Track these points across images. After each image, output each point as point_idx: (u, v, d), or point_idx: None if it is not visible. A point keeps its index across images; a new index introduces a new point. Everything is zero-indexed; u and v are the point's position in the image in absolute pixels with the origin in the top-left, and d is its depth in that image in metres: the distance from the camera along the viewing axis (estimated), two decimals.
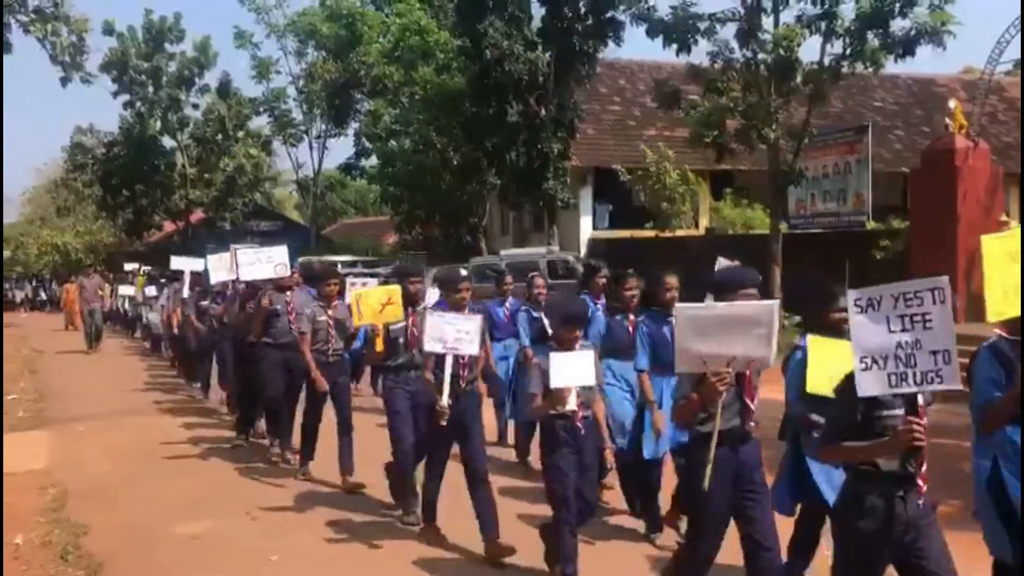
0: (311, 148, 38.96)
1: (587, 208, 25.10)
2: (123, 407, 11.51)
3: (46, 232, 48.79)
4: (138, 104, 35.92)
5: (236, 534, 6.14)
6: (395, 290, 6.22)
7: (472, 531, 5.52)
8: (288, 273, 8.27)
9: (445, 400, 5.41)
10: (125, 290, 21.09)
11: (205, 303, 11.09)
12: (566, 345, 4.82)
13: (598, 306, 6.68)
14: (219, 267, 9.75)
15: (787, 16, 15.56)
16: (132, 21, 41.50)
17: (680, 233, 22.37)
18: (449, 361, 5.44)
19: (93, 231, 46.12)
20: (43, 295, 43.45)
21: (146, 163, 36.15)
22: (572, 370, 4.66)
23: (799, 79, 15.50)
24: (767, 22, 15.54)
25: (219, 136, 36.43)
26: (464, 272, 6.52)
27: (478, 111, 22.79)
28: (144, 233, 40.00)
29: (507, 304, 8.25)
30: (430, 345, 5.44)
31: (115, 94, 35.73)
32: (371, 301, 6.12)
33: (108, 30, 34.25)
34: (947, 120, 15.43)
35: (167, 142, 37.52)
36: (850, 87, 24.54)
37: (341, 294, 7.99)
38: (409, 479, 6.26)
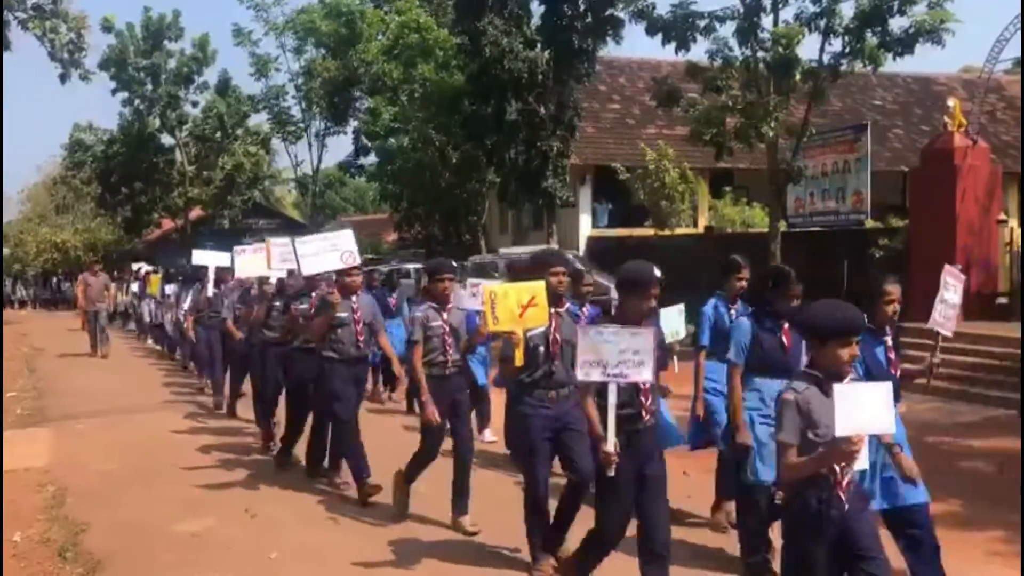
0: (310, 146, 38.92)
1: (586, 206, 25.09)
2: (123, 405, 11.50)
3: (45, 230, 48.78)
4: (137, 102, 35.85)
5: (235, 532, 6.14)
6: (539, 288, 4.98)
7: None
8: (357, 263, 6.80)
9: (611, 443, 4.12)
10: (169, 289, 19.75)
11: (241, 305, 9.69)
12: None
13: (734, 311, 5.83)
14: (251, 261, 8.73)
15: (786, 14, 15.55)
16: (131, 18, 41.55)
17: (679, 231, 22.39)
18: (613, 391, 4.14)
19: (92, 229, 46.10)
20: (48, 292, 43.58)
21: (145, 161, 36.08)
22: (867, 407, 3.19)
23: (798, 77, 15.50)
24: (766, 20, 15.53)
25: (218, 134, 36.37)
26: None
27: (477, 109, 22.78)
28: (143, 231, 39.97)
29: (585, 310, 6.51)
30: (585, 372, 4.18)
31: (114, 91, 35.66)
32: (509, 302, 4.92)
33: (107, 27, 34.18)
34: (946, 119, 15.42)
35: (166, 140, 37.46)
36: (849, 85, 24.54)
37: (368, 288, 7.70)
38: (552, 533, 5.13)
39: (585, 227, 24.82)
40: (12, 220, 54.24)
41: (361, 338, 6.80)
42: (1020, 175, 21.64)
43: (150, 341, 20.32)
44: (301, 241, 6.75)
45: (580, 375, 4.20)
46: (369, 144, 33.43)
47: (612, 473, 4.09)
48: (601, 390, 4.20)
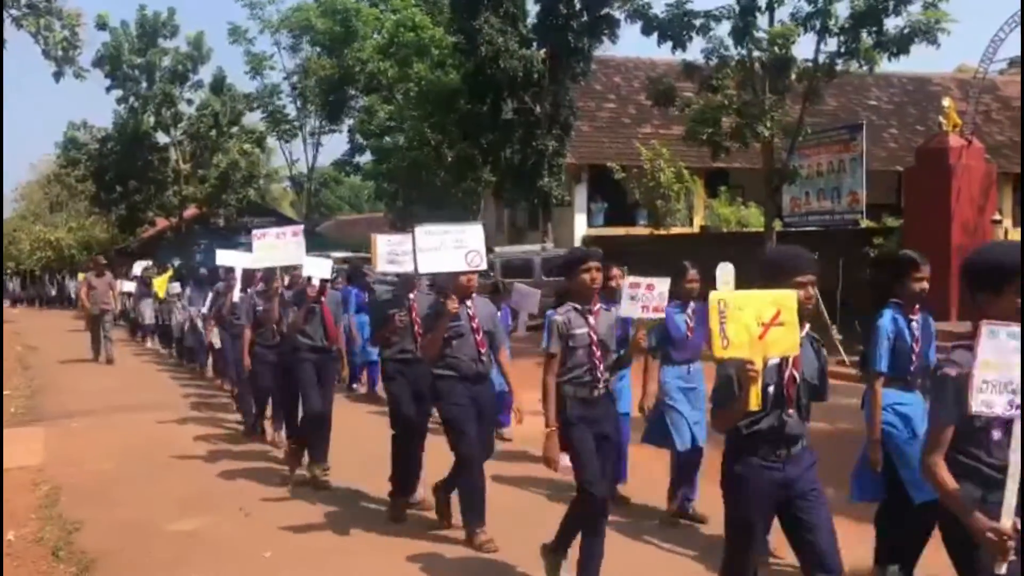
0: (305, 144, 38.99)
1: (582, 205, 25.10)
2: (117, 404, 11.48)
3: (39, 228, 48.69)
4: (131, 99, 35.79)
5: (230, 531, 6.13)
6: (788, 298, 3.31)
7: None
8: (484, 265, 5.59)
9: (1009, 513, 2.78)
10: (174, 288, 16.81)
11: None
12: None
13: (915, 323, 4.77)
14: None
15: (782, 14, 15.56)
16: (126, 16, 41.45)
17: (675, 231, 22.40)
18: (1017, 432, 2.77)
19: (86, 227, 46.01)
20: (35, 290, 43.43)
21: (140, 159, 36.02)
22: None
23: (794, 77, 15.52)
24: (762, 20, 15.54)
25: (213, 132, 36.32)
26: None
27: (473, 108, 22.77)
28: (137, 229, 39.92)
29: (690, 310, 5.91)
30: (986, 401, 2.78)
31: (108, 89, 35.62)
32: (746, 317, 3.26)
33: (101, 25, 34.10)
34: (941, 119, 15.45)
35: (161, 138, 37.40)
36: (845, 85, 24.57)
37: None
38: None
39: (580, 226, 24.83)
40: (6, 218, 54.15)
41: (483, 350, 5.70)
42: (1021, 174, 21.58)
43: (150, 343, 19.74)
44: (426, 231, 5.49)
45: (977, 405, 2.78)
46: (364, 143, 33.42)
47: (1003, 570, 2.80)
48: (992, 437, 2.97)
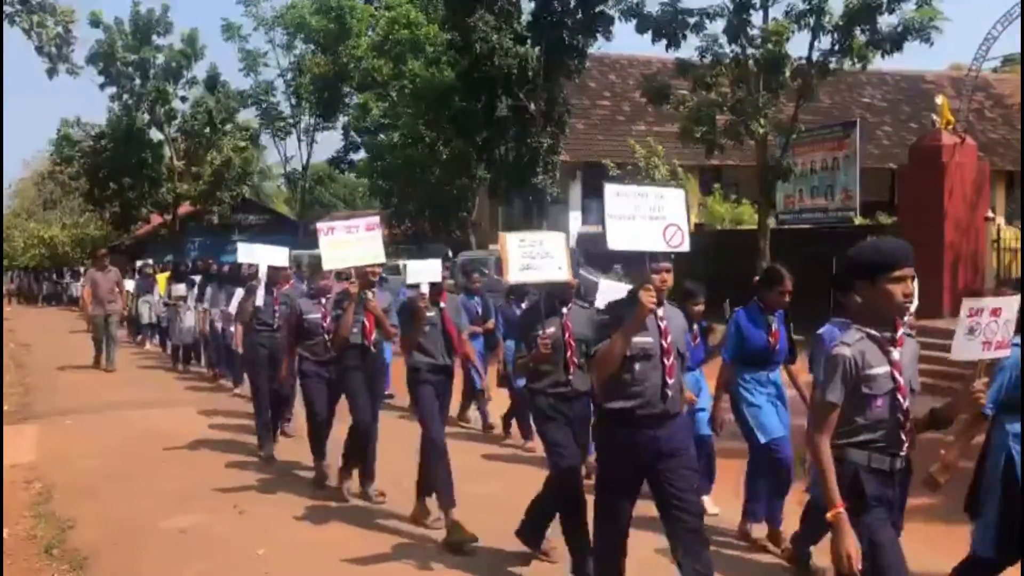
0: (299, 141, 38.89)
1: (576, 203, 25.12)
2: (112, 401, 11.46)
3: (33, 225, 48.54)
4: (125, 97, 35.67)
5: (223, 528, 6.13)
6: None
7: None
8: (686, 245, 4.07)
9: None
10: (178, 289, 14.93)
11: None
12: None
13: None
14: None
15: (776, 11, 15.61)
16: (119, 13, 41.35)
17: None
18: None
19: (80, 224, 45.88)
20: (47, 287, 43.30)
21: (133, 156, 35.89)
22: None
23: (787, 74, 15.55)
24: (756, 17, 15.58)
25: (207, 129, 36.23)
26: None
27: (467, 105, 22.76)
28: (131, 226, 39.82)
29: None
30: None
31: (102, 86, 35.50)
32: None
33: (95, 22, 33.99)
34: (934, 116, 15.49)
35: (155, 135, 37.31)
36: (839, 83, 24.63)
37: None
38: None
39: (575, 224, 24.84)
40: None
41: (671, 379, 4.22)
42: (1021, 174, 21.56)
43: (149, 345, 18.73)
44: (616, 191, 4.06)
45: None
46: (359, 140, 33.42)
47: None
48: None
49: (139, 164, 36.03)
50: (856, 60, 15.21)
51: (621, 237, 3.97)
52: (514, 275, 5.00)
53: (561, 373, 5.02)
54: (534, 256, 4.92)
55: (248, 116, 38.63)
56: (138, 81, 35.46)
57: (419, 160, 27.37)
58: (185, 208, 38.28)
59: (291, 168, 41.32)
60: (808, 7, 15.10)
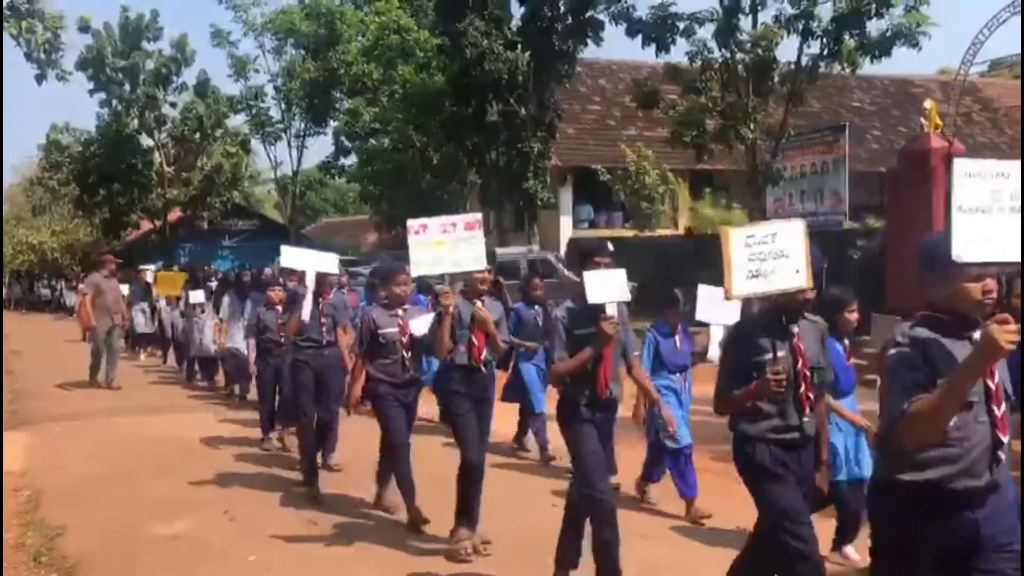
0: (290, 147, 38.73)
1: (567, 207, 25.14)
2: (101, 407, 11.40)
3: (21, 231, 48.29)
4: (115, 102, 35.60)
5: (214, 534, 6.10)
6: None
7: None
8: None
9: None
10: (196, 296, 13.19)
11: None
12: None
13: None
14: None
15: (765, 16, 15.69)
16: (108, 18, 41.18)
17: (659, 232, 22.46)
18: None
19: (69, 230, 45.68)
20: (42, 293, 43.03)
21: (123, 162, 35.80)
22: None
23: (777, 79, 15.63)
24: (745, 22, 15.65)
25: (197, 135, 36.15)
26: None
27: (458, 110, 22.78)
28: (121, 232, 39.69)
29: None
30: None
31: (91, 92, 35.41)
32: None
33: (84, 27, 33.88)
34: (922, 120, 15.56)
35: (144, 141, 37.21)
36: (828, 87, 24.73)
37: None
38: None
39: (566, 228, 24.87)
40: None
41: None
42: (1021, 175, 21.59)
43: (144, 356, 17.58)
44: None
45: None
46: (349, 145, 33.36)
47: None
48: None
49: (129, 170, 35.94)
50: (845, 65, 15.30)
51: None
52: (739, 287, 3.80)
53: (793, 415, 3.83)
54: (765, 258, 3.78)
55: (238, 121, 38.57)
56: (128, 87, 35.36)
57: (410, 165, 27.38)
58: (175, 214, 38.19)
59: (281, 173, 41.20)
60: (797, 12, 15.18)
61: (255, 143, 39.49)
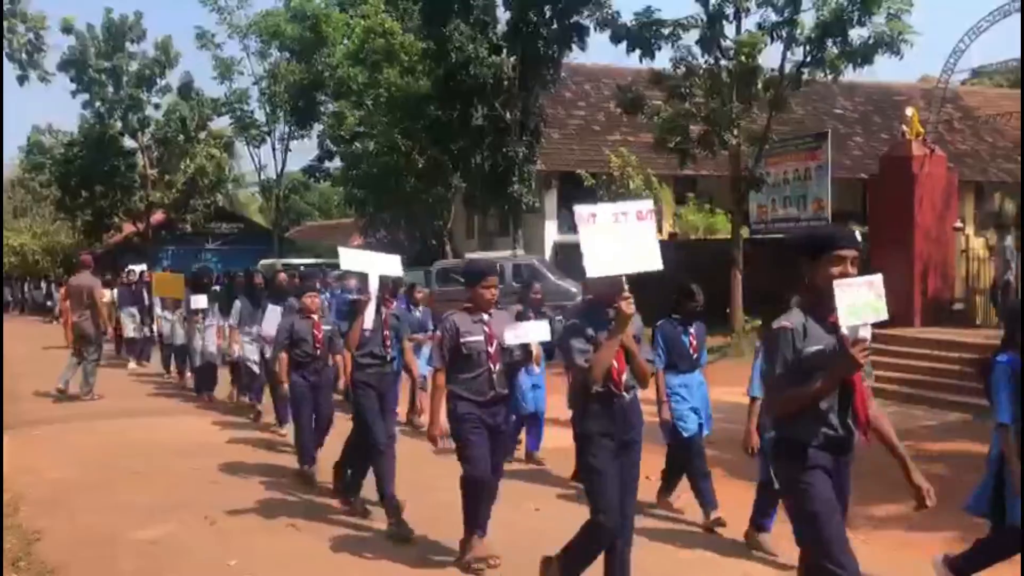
0: (274, 150, 38.63)
1: (552, 212, 25.17)
2: (82, 412, 11.32)
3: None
4: (98, 104, 35.42)
5: (194, 539, 6.07)
6: None
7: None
8: None
9: None
10: (198, 301, 12.27)
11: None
12: None
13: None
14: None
15: (749, 23, 15.76)
16: (92, 19, 40.99)
17: None
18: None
19: (51, 232, 45.40)
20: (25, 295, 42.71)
21: (106, 164, 35.64)
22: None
23: (760, 85, 15.71)
24: (729, 29, 15.72)
25: (180, 137, 36.02)
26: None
27: (443, 114, 22.75)
28: (103, 235, 39.46)
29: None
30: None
31: (74, 93, 35.22)
32: None
33: (66, 28, 33.74)
34: (904, 127, 15.69)
35: (127, 143, 37.03)
36: (811, 94, 24.87)
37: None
38: None
39: (551, 233, 24.89)
40: None
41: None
42: (1021, 176, 21.65)
43: (133, 363, 16.29)
44: None
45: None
46: (334, 148, 33.25)
47: None
48: None
49: (111, 172, 35.77)
50: (828, 72, 15.40)
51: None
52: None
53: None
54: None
55: (222, 124, 38.45)
56: (111, 88, 35.22)
57: (394, 169, 27.30)
58: (158, 216, 38.02)
59: (265, 176, 41.06)
60: (781, 19, 15.27)
61: (239, 146, 39.43)
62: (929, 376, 11.57)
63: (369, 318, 6.15)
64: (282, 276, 11.02)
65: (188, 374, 13.46)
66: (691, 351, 6.38)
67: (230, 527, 6.30)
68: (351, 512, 6.57)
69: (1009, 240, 13.74)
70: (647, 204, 4.47)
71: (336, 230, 43.40)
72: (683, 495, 6.58)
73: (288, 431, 8.85)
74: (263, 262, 26.34)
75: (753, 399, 5.79)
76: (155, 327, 15.47)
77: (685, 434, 6.25)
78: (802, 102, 25.15)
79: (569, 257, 21.76)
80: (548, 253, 23.67)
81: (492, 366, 5.21)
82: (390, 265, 6.39)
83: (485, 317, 5.27)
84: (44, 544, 5.96)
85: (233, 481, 7.65)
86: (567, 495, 6.97)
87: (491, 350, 5.21)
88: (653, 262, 4.28)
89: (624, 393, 4.35)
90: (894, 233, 14.72)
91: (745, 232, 17.68)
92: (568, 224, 25.42)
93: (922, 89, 30.10)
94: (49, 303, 30.25)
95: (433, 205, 27.18)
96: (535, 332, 5.35)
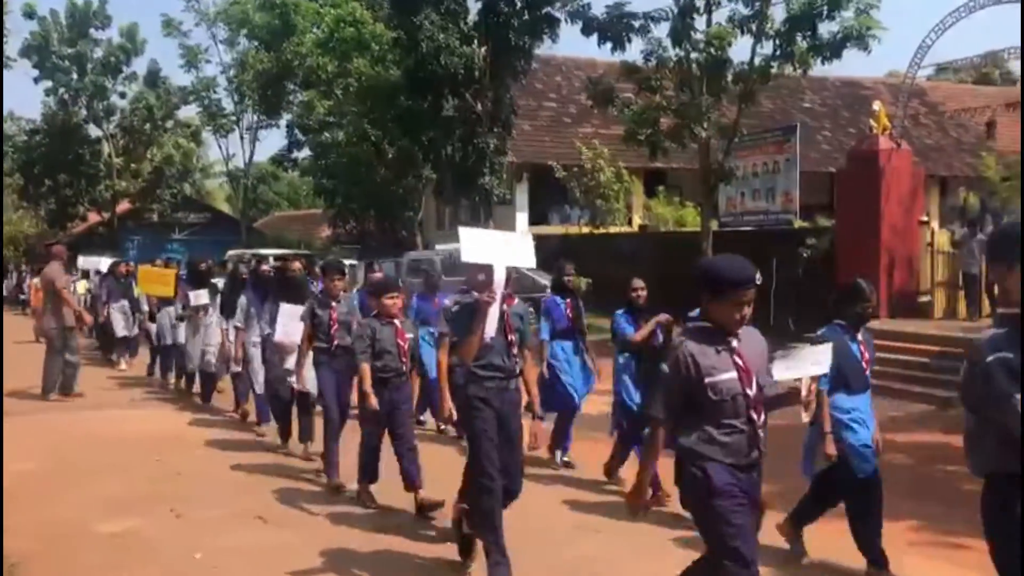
0: (242, 139, 38.26)
1: (523, 204, 25.18)
2: (45, 404, 11.14)
3: None
4: (61, 91, 34.87)
5: (160, 532, 6.00)
6: None
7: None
8: None
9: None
10: (199, 297, 10.82)
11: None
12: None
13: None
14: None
15: (719, 16, 15.81)
16: (55, 5, 40.33)
17: (613, 230, 22.60)
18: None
19: (14, 221, 44.69)
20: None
21: (70, 152, 35.13)
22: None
23: (730, 79, 15.79)
24: (700, 22, 15.76)
25: (147, 126, 35.58)
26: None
27: (413, 104, 22.65)
28: (68, 224, 38.90)
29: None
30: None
31: (36, 80, 34.63)
32: None
33: (28, 13, 33.20)
34: (871, 122, 15.86)
35: (92, 131, 36.52)
36: (780, 88, 25.07)
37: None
38: None
39: (522, 224, 24.91)
40: None
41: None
42: (1021, 176, 21.89)
43: (125, 364, 14.55)
44: None
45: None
46: (303, 138, 32.99)
47: None
48: None
49: (76, 160, 35.27)
50: (797, 66, 15.50)
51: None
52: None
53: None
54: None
55: (189, 113, 38.02)
56: (75, 75, 34.68)
57: (364, 159, 27.16)
58: (124, 206, 37.54)
59: (233, 166, 40.64)
60: (751, 13, 15.34)
61: (207, 135, 39.00)
62: (895, 368, 11.72)
63: (492, 322, 4.86)
64: (296, 266, 8.70)
65: (173, 379, 12.28)
66: (863, 364, 5.09)
67: (196, 520, 6.23)
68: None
69: (980, 236, 13.85)
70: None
71: (305, 220, 43.12)
72: (626, 475, 6.55)
73: (267, 430, 8.71)
74: (231, 252, 26.08)
75: None
76: (146, 325, 13.81)
77: (860, 475, 4.95)
78: (771, 96, 25.36)
79: (540, 248, 21.79)
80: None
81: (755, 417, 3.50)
82: (522, 253, 5.06)
83: (733, 342, 3.53)
84: (7, 537, 5.86)
85: (200, 474, 7.57)
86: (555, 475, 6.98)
87: (750, 392, 3.49)
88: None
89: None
90: (861, 226, 14.89)
91: (714, 224, 17.78)
92: (539, 215, 25.49)
93: (888, 84, 30.47)
94: (22, 296, 29.59)
95: (403, 195, 27.09)
96: (814, 360, 3.82)
